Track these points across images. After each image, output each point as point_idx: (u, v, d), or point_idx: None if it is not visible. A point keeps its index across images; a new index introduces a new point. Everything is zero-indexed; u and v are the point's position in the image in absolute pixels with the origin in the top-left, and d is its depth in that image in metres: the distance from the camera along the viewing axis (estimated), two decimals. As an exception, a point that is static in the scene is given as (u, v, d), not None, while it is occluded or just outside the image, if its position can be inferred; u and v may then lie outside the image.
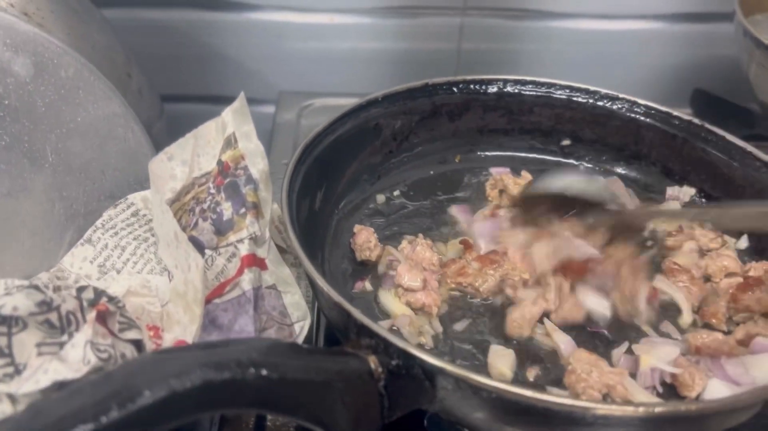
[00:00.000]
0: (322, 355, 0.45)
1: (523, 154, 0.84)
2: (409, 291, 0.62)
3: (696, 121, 0.76)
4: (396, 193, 0.78)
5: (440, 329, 0.61)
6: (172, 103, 1.19)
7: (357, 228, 0.70)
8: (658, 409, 0.46)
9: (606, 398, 0.55)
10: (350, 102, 1.08)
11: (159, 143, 0.97)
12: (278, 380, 0.42)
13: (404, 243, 0.69)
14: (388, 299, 0.63)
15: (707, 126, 0.76)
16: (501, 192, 0.77)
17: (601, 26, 1.17)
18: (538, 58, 1.21)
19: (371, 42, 1.19)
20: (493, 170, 0.81)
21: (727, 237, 0.73)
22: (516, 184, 0.76)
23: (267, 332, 0.57)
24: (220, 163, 0.59)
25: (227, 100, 1.25)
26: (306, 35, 1.18)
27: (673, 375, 0.57)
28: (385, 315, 0.63)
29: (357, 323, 0.49)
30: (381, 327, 0.49)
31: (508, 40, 1.20)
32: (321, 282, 0.52)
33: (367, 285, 0.65)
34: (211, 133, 0.61)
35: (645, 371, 0.57)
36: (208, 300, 0.56)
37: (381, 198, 0.77)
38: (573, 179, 0.67)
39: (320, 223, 0.69)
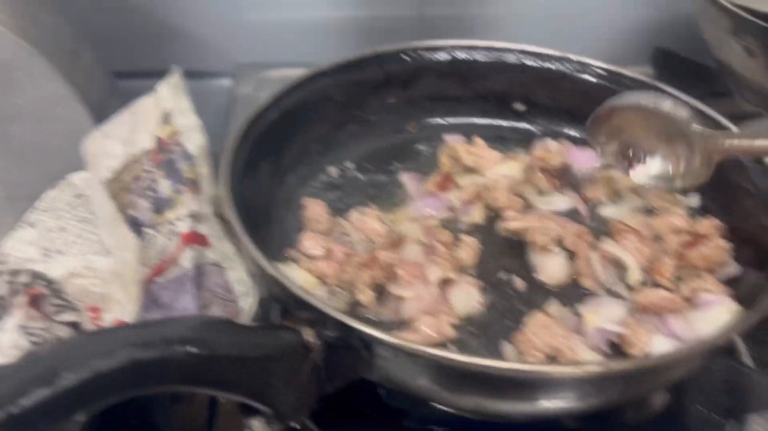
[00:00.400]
0: (256, 331, 0.45)
1: (477, 120, 0.84)
2: (311, 259, 0.61)
3: (647, 80, 0.76)
4: (348, 164, 0.77)
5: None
6: (128, 79, 1.17)
7: (307, 201, 0.69)
8: (580, 369, 0.46)
9: (554, 360, 0.56)
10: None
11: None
12: (208, 357, 0.42)
13: (354, 214, 0.69)
14: (286, 267, 0.62)
15: (658, 85, 0.76)
16: (453, 159, 0.77)
17: (562, -14, 1.16)
18: (500, 22, 1.19)
19: (331, 10, 1.17)
20: (447, 137, 0.81)
21: (678, 196, 0.73)
22: (468, 152, 0.76)
23: (211, 309, 0.56)
24: (157, 139, 0.58)
25: (187, 74, 1.23)
26: (263, 5, 1.16)
27: (619, 334, 0.57)
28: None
29: (292, 295, 0.49)
30: (316, 299, 0.48)
31: (469, 4, 1.18)
32: (255, 254, 0.51)
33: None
34: (148, 109, 0.60)
35: (590, 332, 0.57)
36: (149, 279, 0.56)
37: (333, 170, 0.76)
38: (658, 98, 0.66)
39: (267, 197, 0.69)
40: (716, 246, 0.64)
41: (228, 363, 0.42)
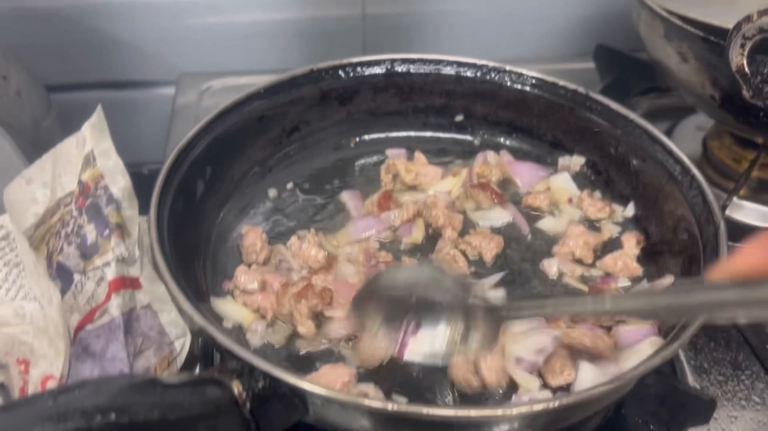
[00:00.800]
0: (180, 388, 0.45)
1: (418, 133, 0.83)
2: (246, 293, 0.61)
3: (581, 89, 0.76)
4: (289, 185, 0.77)
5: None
6: (68, 92, 1.15)
7: (245, 229, 0.69)
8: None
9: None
10: (253, 81, 1.05)
11: (51, 137, 0.94)
12: (128, 424, 0.41)
13: (293, 240, 0.68)
14: (223, 302, 0.62)
15: (591, 95, 0.76)
16: (394, 176, 0.77)
17: (505, -18, 1.16)
18: (445, 18, 1.18)
19: (273, 13, 1.15)
20: (389, 152, 0.81)
21: (615, 206, 0.74)
22: (408, 169, 0.76)
23: (145, 353, 0.56)
24: (80, 183, 0.57)
25: (128, 85, 1.21)
26: (203, 10, 1.13)
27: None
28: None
29: (221, 347, 0.49)
30: (245, 351, 0.48)
31: (413, 2, 1.17)
32: (182, 301, 0.51)
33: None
34: (71, 150, 0.58)
35: (510, 360, 0.58)
36: (80, 327, 0.55)
37: (273, 192, 0.76)
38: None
39: (205, 228, 0.68)
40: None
41: (149, 428, 0.42)
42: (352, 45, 1.19)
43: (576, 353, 0.57)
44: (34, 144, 0.88)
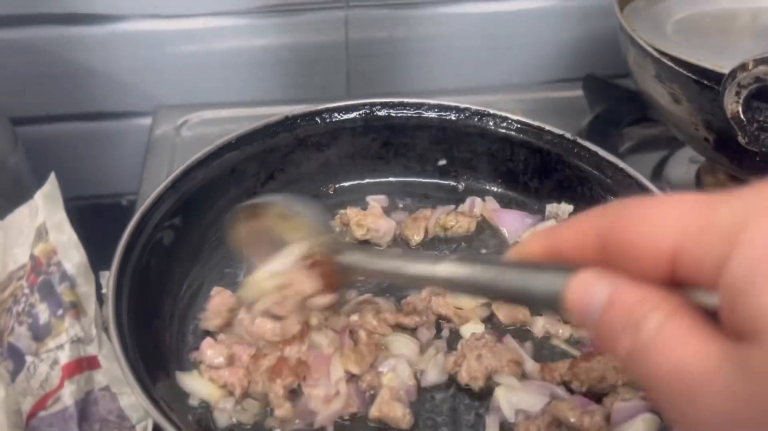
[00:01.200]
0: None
1: (400, 179, 0.80)
2: (213, 368, 0.58)
3: (568, 135, 0.73)
4: (264, 238, 0.73)
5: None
6: (42, 124, 1.11)
7: (215, 290, 0.65)
8: None
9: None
10: (232, 114, 1.01)
11: (18, 176, 0.90)
12: None
13: (242, 314, 0.61)
14: (189, 378, 0.58)
15: (579, 141, 0.72)
16: (345, 226, 0.73)
17: (491, 8, 1.12)
18: (430, 44, 1.15)
19: (252, 40, 1.11)
20: (370, 198, 0.77)
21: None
22: (359, 224, 0.72)
23: (103, 440, 0.52)
24: (32, 257, 0.53)
25: (104, 116, 1.18)
26: (180, 41, 1.10)
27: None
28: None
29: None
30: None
31: (397, 27, 1.13)
32: (135, 387, 0.47)
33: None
34: (23, 220, 0.55)
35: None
36: (33, 413, 0.52)
37: (249, 247, 0.72)
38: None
39: (170, 290, 0.64)
40: None
41: None
42: (335, 72, 1.16)
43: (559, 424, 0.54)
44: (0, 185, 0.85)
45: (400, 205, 0.78)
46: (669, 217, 0.31)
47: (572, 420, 0.54)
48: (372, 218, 0.73)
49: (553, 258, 0.37)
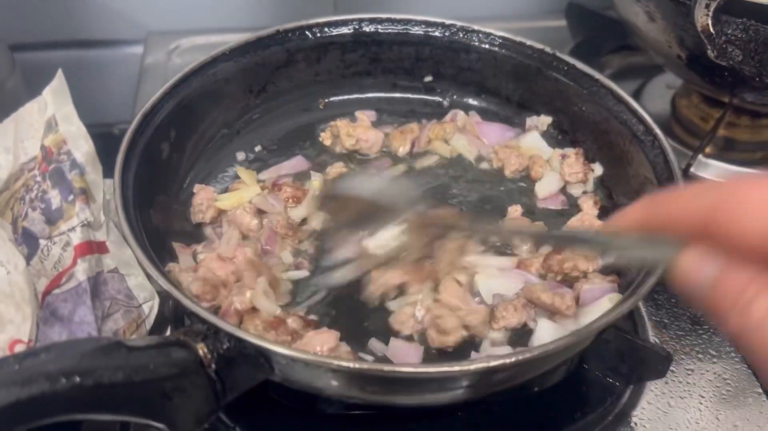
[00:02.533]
0: (145, 350, 0.45)
1: (387, 94, 0.83)
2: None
3: (548, 50, 0.76)
4: (257, 148, 0.77)
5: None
6: (33, 51, 1.13)
7: (197, 188, 0.68)
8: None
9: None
10: (222, 39, 1.03)
11: (16, 98, 0.92)
12: (93, 386, 0.42)
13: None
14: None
15: (558, 55, 0.76)
16: (335, 138, 0.76)
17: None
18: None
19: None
20: (358, 113, 0.80)
21: (590, 164, 0.75)
22: (348, 134, 0.75)
23: (113, 317, 0.56)
24: (43, 148, 0.57)
25: (96, 44, 1.19)
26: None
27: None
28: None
29: (186, 309, 0.49)
30: (209, 313, 0.49)
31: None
32: (147, 265, 0.51)
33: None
34: (33, 115, 0.58)
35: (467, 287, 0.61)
36: (47, 291, 0.56)
37: (241, 155, 0.75)
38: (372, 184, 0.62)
39: (171, 191, 0.68)
40: None
41: (115, 389, 0.43)
42: (323, 0, 1.17)
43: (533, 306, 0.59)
44: (-1, 105, 0.87)
45: (388, 120, 0.81)
46: None
47: (545, 300, 0.59)
48: (361, 129, 0.76)
49: (653, 230, 0.38)
